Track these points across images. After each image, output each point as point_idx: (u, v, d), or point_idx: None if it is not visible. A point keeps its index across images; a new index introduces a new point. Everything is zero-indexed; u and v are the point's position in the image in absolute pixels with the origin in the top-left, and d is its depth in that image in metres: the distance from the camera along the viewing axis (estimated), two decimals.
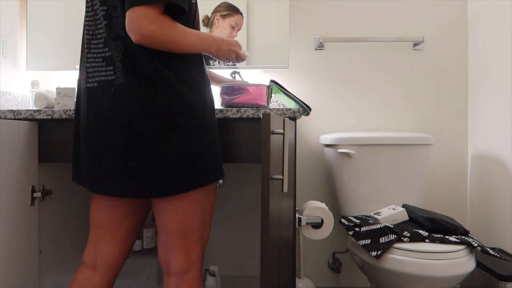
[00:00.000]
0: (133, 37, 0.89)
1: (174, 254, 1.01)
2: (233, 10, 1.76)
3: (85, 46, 1.01)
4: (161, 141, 0.93)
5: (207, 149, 1.00)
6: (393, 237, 1.30)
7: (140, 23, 0.88)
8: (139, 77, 0.93)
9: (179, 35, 0.94)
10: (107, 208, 1.04)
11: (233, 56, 1.18)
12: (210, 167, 1.01)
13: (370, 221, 1.49)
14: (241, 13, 1.78)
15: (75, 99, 1.08)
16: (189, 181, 0.97)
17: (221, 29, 1.76)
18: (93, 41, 0.99)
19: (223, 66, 1.80)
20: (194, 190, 0.99)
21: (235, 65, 1.74)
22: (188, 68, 0.99)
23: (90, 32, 1.00)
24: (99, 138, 0.95)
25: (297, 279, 1.75)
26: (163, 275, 1.06)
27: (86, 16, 1.03)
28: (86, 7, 1.02)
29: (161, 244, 1.03)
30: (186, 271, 1.01)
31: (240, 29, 1.79)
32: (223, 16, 1.76)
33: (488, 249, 1.30)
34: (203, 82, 1.03)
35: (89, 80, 0.99)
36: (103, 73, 0.96)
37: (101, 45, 0.97)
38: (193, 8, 1.04)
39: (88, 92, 0.99)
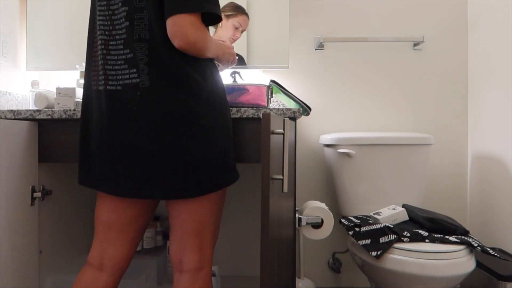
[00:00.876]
0: (177, 42, 0.93)
1: (190, 251, 1.03)
2: (238, 11, 1.74)
3: (102, 47, 1.00)
4: (191, 142, 0.95)
5: (230, 150, 1.04)
6: (393, 237, 1.30)
7: (187, 30, 0.92)
8: (167, 80, 0.95)
9: (209, 43, 1.00)
10: (118, 210, 1.05)
11: (231, 58, 1.21)
12: (232, 167, 1.06)
13: (370, 221, 1.49)
14: (246, 14, 1.76)
15: (82, 101, 1.07)
16: (217, 180, 1.00)
17: (224, 30, 1.75)
18: (111, 42, 0.99)
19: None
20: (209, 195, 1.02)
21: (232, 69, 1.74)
22: (210, 71, 1.02)
23: (107, 33, 0.99)
24: (126, 141, 0.96)
25: (297, 279, 1.75)
26: (173, 273, 1.06)
27: (99, 15, 1.01)
28: (99, 5, 1.01)
29: (175, 241, 1.04)
30: (201, 268, 1.03)
31: (244, 30, 1.77)
32: (227, 16, 1.73)
33: (488, 249, 1.30)
34: (222, 83, 1.07)
35: (110, 82, 0.98)
36: (127, 76, 0.97)
37: (121, 47, 0.98)
38: None
39: (109, 95, 0.98)
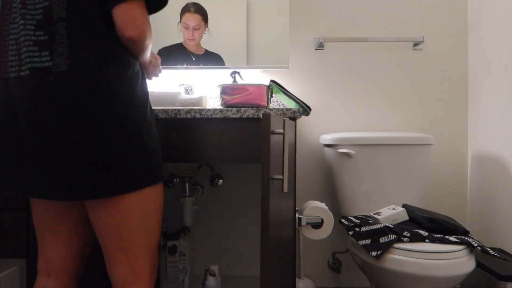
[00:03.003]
0: (129, 32, 0.87)
1: (115, 264, 0.94)
2: (182, 10, 1.68)
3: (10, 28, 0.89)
4: (99, 138, 0.85)
5: (149, 148, 0.93)
6: (393, 237, 1.30)
7: (140, 20, 0.88)
8: (82, 66, 0.86)
9: (151, 38, 0.95)
10: (41, 210, 0.99)
11: (156, 70, 1.16)
12: (152, 167, 0.94)
13: (370, 221, 1.49)
14: (189, 11, 1.68)
15: None
16: (125, 182, 0.89)
17: (182, 35, 1.73)
18: (26, 26, 0.87)
19: (222, 66, 1.80)
20: (130, 194, 0.91)
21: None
22: (128, 61, 0.93)
23: (16, 14, 0.89)
24: (34, 134, 0.85)
25: (297, 279, 1.75)
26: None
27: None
28: None
29: (103, 253, 0.97)
30: (131, 282, 0.94)
31: (196, 27, 1.71)
32: (179, 21, 1.71)
33: (488, 249, 1.30)
34: (142, 76, 0.99)
35: (22, 67, 0.87)
36: (37, 59, 0.86)
37: (32, 28, 0.87)
38: None
39: (17, 82, 0.87)
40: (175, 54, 1.76)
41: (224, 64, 1.80)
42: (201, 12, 1.74)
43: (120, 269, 0.94)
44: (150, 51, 1.01)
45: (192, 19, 1.70)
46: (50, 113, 0.84)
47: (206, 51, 1.80)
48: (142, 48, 0.94)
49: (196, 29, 1.72)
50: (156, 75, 1.18)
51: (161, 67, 1.19)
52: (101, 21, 0.88)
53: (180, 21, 1.75)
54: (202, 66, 1.80)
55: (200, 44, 1.79)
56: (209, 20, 1.81)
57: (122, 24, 0.87)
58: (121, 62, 0.90)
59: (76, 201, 0.97)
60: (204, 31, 1.76)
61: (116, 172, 0.87)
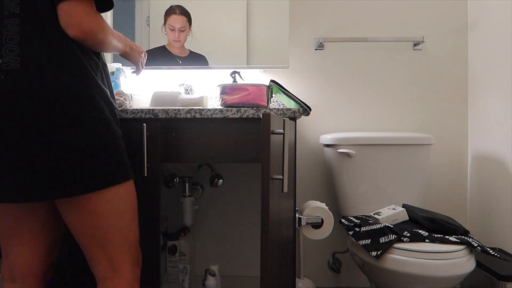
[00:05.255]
0: (71, 32, 0.86)
1: (95, 262, 0.95)
2: (166, 14, 1.69)
3: None
4: (59, 136, 0.84)
5: (109, 147, 0.91)
6: (393, 237, 1.30)
7: (80, 18, 0.86)
8: (39, 63, 0.84)
9: (108, 33, 0.94)
10: (3, 213, 0.95)
11: (140, 57, 1.17)
12: (113, 166, 0.93)
13: (370, 221, 1.49)
14: (174, 12, 1.68)
15: None
16: (85, 182, 0.87)
17: (167, 36, 1.75)
18: None
19: (222, 66, 1.80)
20: (96, 194, 0.90)
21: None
22: (83, 58, 0.91)
23: None
24: None
25: (297, 279, 1.75)
26: None
27: None
28: None
29: (83, 251, 0.97)
30: (110, 278, 0.95)
31: (182, 29, 1.72)
32: (164, 24, 1.72)
33: (488, 249, 1.30)
34: (102, 72, 0.97)
35: None
36: None
37: None
38: None
39: None
40: (158, 57, 1.75)
41: (208, 65, 1.80)
42: (186, 14, 1.75)
43: (99, 266, 0.95)
44: (114, 43, 0.99)
45: (178, 20, 1.72)
46: (1, 114, 0.82)
47: (191, 52, 1.80)
48: (96, 45, 0.93)
49: (181, 31, 1.73)
50: (138, 64, 1.19)
51: (151, 66, 1.19)
52: (55, 17, 0.87)
53: (165, 23, 1.74)
54: (202, 66, 1.81)
55: (184, 46, 1.79)
56: (209, 20, 1.81)
57: (63, 24, 0.86)
58: (75, 59, 0.88)
59: (37, 202, 0.95)
60: (188, 34, 1.77)
61: (74, 172, 0.86)
